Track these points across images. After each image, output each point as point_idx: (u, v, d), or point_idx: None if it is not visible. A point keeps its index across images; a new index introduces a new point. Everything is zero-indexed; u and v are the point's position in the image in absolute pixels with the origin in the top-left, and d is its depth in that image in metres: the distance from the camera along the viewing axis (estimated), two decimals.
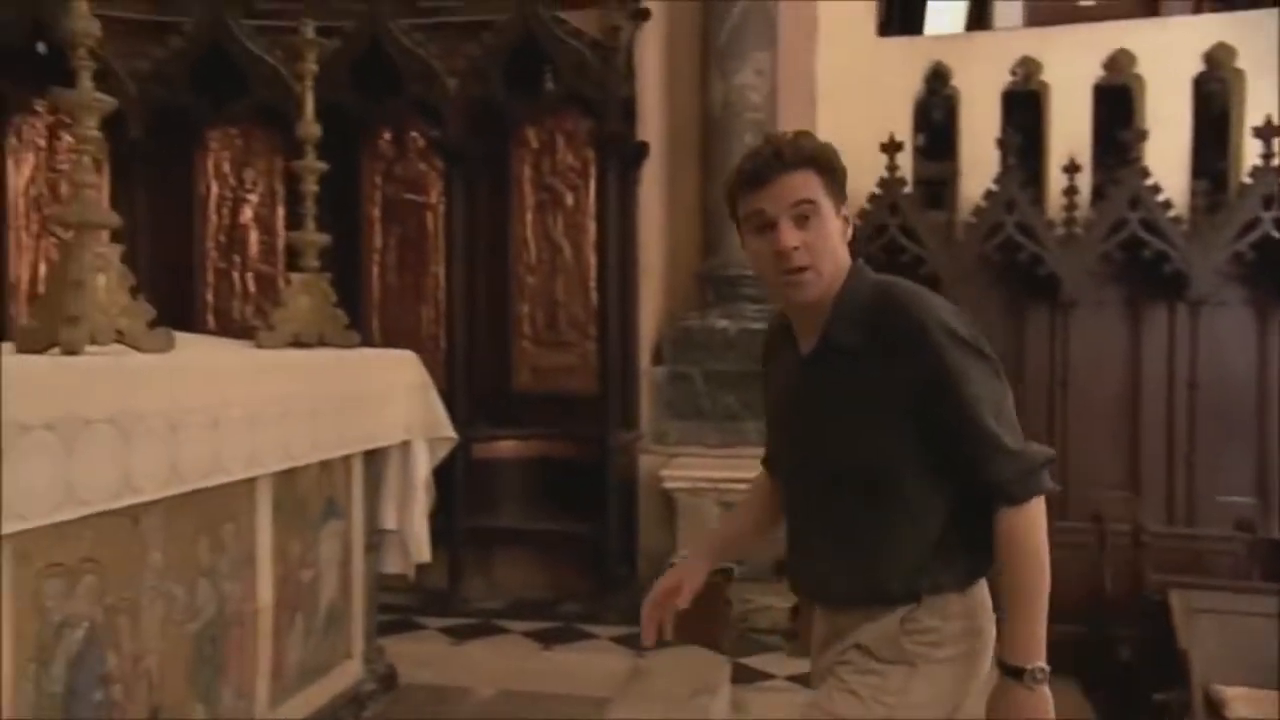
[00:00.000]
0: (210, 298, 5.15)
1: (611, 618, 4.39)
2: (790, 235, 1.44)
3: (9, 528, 1.55)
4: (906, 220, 4.62)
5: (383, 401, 2.95)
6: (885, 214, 4.62)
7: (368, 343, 3.34)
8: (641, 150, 4.75)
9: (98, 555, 1.90)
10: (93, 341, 1.95)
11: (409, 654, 3.59)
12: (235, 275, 5.16)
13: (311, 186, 3.06)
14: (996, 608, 1.52)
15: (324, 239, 3.07)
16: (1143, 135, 4.57)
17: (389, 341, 4.81)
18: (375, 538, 3.13)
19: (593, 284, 4.85)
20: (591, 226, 4.85)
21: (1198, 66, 4.67)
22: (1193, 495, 4.68)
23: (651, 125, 4.80)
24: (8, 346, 2.14)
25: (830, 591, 1.58)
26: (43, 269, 4.89)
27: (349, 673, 2.98)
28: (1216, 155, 4.73)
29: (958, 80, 4.86)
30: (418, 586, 4.07)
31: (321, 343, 2.97)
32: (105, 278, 2.04)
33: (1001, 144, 4.61)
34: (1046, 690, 1.43)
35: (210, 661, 2.29)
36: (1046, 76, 4.76)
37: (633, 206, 4.81)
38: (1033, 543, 1.43)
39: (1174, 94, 4.67)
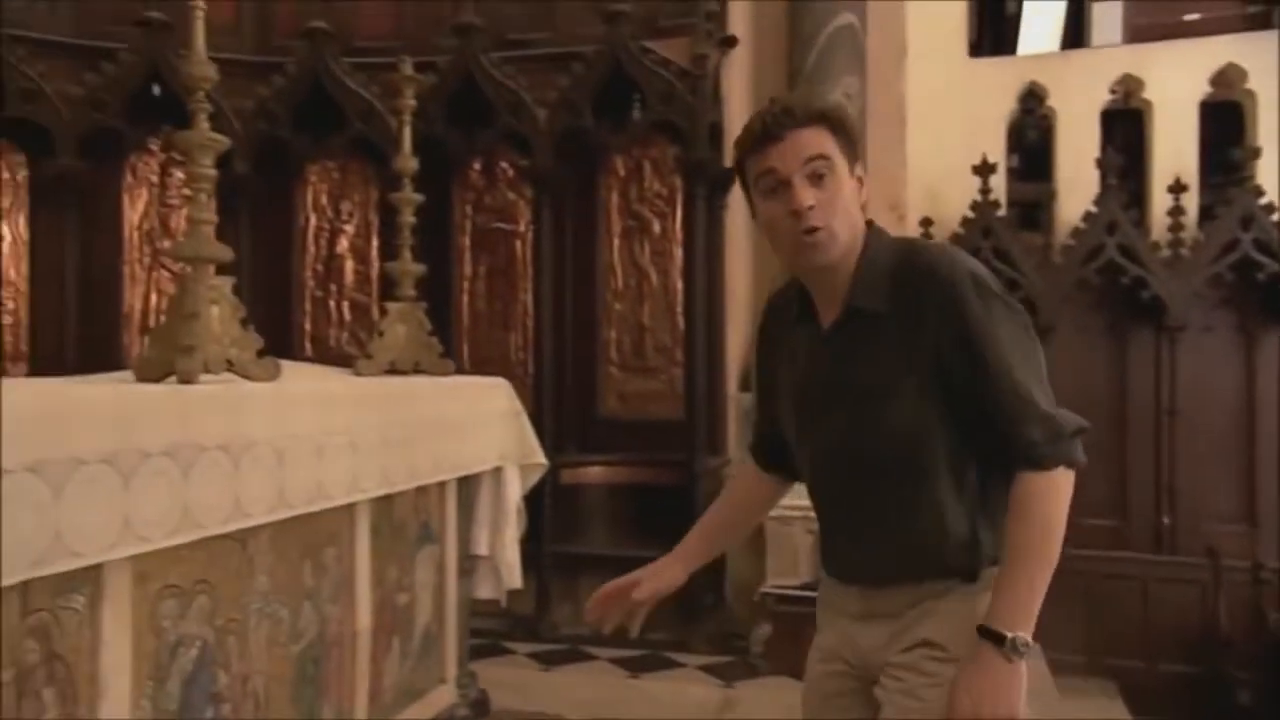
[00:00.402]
0: (308, 325, 5.32)
1: (700, 646, 4.35)
2: (805, 194, 1.36)
3: (133, 550, 1.62)
4: (1000, 243, 4.51)
5: (476, 428, 3.00)
6: (978, 237, 4.52)
7: (458, 370, 3.40)
8: (728, 176, 4.74)
9: (209, 577, 1.97)
10: (206, 370, 2.03)
11: (499, 679, 3.62)
12: (331, 303, 5.32)
13: (408, 218, 3.14)
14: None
15: (420, 269, 3.15)
16: (1256, 153, 4.39)
17: (478, 368, 4.90)
18: (468, 563, 3.16)
19: (679, 310, 4.86)
20: (678, 253, 4.87)
21: None
22: None
23: None
24: (126, 375, 2.25)
25: (876, 572, 1.46)
26: (154, 299, 5.12)
27: (443, 697, 3.01)
28: None
29: (1054, 100, 4.74)
30: (506, 611, 4.09)
31: (417, 370, 3.04)
32: (218, 309, 2.12)
33: (1101, 164, 4.47)
34: (1023, 667, 1.33)
35: (312, 682, 2.34)
36: (1149, 94, 4.60)
37: (719, 232, 4.81)
38: (1049, 510, 1.35)
39: None
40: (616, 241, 4.99)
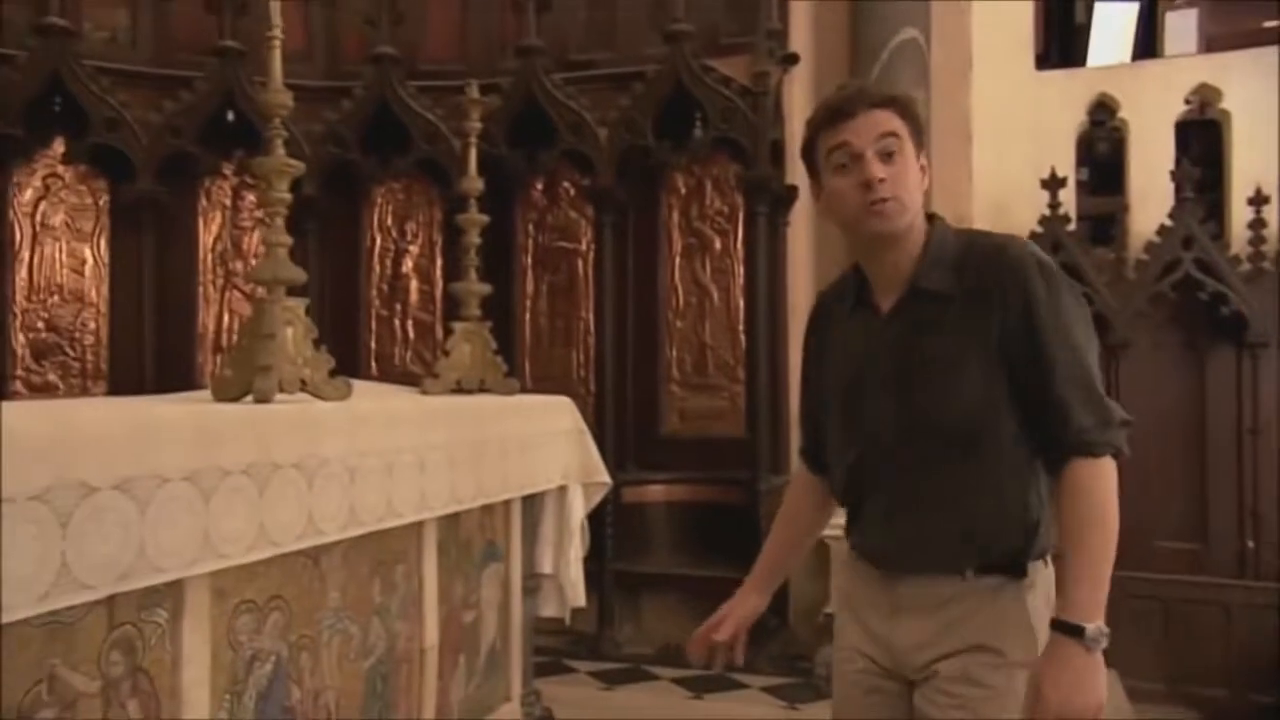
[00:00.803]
0: (373, 344, 5.41)
1: (763, 667, 4.30)
2: (877, 167, 1.41)
3: (212, 566, 1.66)
4: (1071, 257, 4.39)
5: (541, 447, 3.01)
6: (1047, 251, 4.40)
7: (521, 388, 3.43)
8: (790, 193, 4.73)
9: (283, 593, 2.00)
10: (281, 390, 2.07)
11: (561, 698, 3.61)
12: (396, 322, 5.41)
13: (474, 239, 3.17)
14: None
15: (485, 288, 3.18)
16: None
17: (539, 386, 4.93)
18: (532, 581, 3.17)
19: (741, 328, 4.85)
20: (740, 270, 4.86)
21: None
22: None
23: (800, 169, 4.76)
24: (203, 394, 2.31)
25: (923, 557, 1.45)
26: (226, 319, 5.26)
27: (508, 715, 3.02)
28: None
29: (1125, 111, 4.63)
30: (567, 629, 4.10)
31: (482, 389, 3.06)
32: (293, 330, 2.17)
33: (1176, 176, 4.35)
34: (1101, 657, 1.32)
35: (381, 698, 2.36)
36: (1227, 104, 4.47)
37: (781, 250, 4.79)
38: (1106, 498, 1.36)
39: None
40: (678, 259, 5.00)
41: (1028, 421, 1.40)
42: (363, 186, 5.31)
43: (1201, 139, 4.65)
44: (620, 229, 4.97)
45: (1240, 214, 4.41)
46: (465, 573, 2.78)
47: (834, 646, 1.64)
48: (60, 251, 4.98)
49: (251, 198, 5.20)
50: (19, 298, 4.88)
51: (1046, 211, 4.44)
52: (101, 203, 5.06)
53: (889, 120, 1.43)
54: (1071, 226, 4.48)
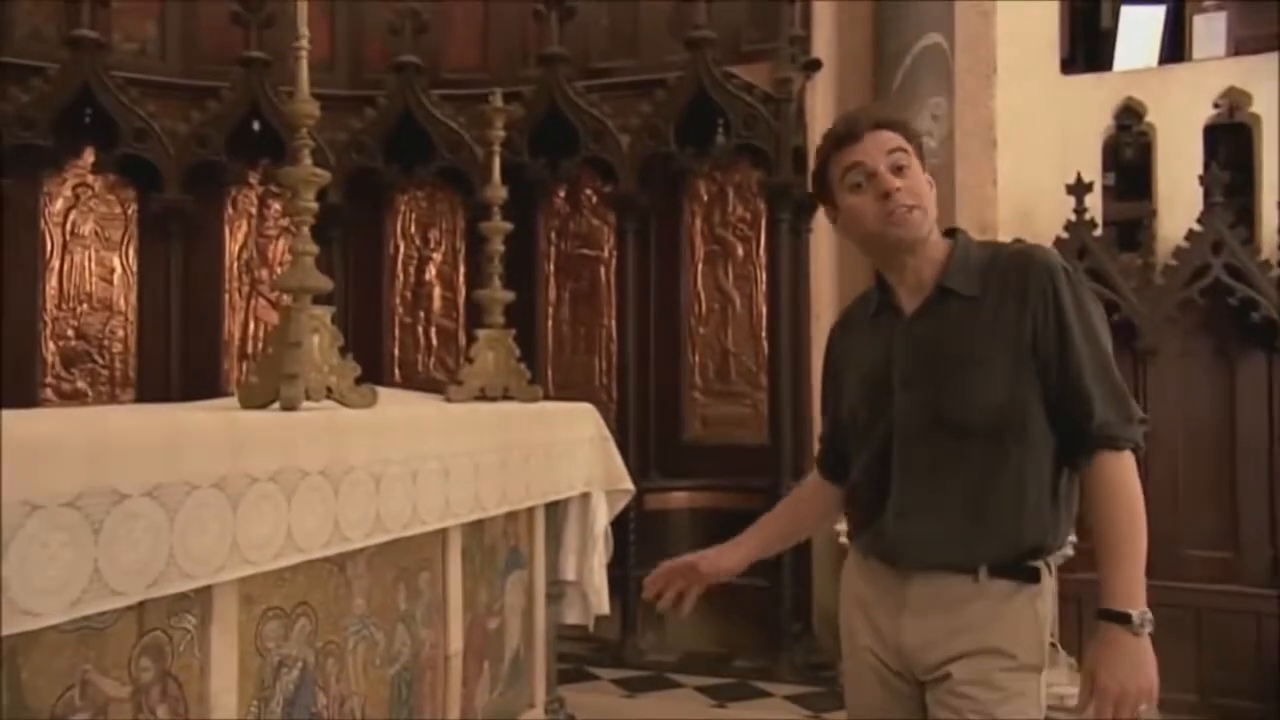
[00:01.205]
0: (396, 351, 5.43)
1: (786, 675, 4.28)
2: (893, 179, 1.49)
3: (240, 572, 1.67)
4: (1098, 263, 4.36)
5: (565, 454, 3.01)
6: (1073, 257, 4.36)
7: (543, 395, 3.44)
8: (813, 200, 4.71)
9: (310, 600, 2.01)
10: (307, 398, 2.08)
11: (585, 705, 3.61)
12: (419, 329, 5.43)
13: (498, 246, 3.19)
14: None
15: (509, 296, 3.19)
16: None
17: (562, 393, 4.93)
18: (555, 588, 3.17)
19: (764, 334, 4.83)
20: (762, 277, 4.85)
21: None
22: None
23: None
24: (230, 401, 2.33)
25: (942, 552, 1.48)
26: (252, 326, 5.30)
27: None
28: None
29: (1152, 115, 4.59)
30: (590, 636, 4.10)
31: (506, 396, 3.07)
32: (319, 338, 2.18)
33: (1205, 180, 4.30)
34: (1148, 640, 1.40)
35: (405, 704, 2.37)
36: (1256, 108, 4.42)
37: (803, 256, 4.78)
38: (1135, 488, 1.44)
39: None
40: (700, 266, 4.99)
41: (1052, 419, 1.46)
42: (386, 194, 5.34)
43: (1230, 143, 4.60)
44: (642, 236, 4.97)
45: (1270, 218, 4.35)
46: (489, 580, 2.79)
47: (844, 646, 1.66)
48: (90, 260, 5.04)
49: (277, 206, 5.25)
50: (49, 306, 4.94)
51: (1072, 217, 4.41)
52: (130, 212, 5.12)
53: (894, 138, 1.51)
54: (1098, 232, 4.44)
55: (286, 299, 2.22)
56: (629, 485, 3.30)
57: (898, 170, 1.50)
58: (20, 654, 1.36)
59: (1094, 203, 4.48)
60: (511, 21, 5.29)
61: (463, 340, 5.16)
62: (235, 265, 5.31)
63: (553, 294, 5.24)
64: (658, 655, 4.60)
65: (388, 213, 5.40)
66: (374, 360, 5.19)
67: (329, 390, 2.16)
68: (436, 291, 5.41)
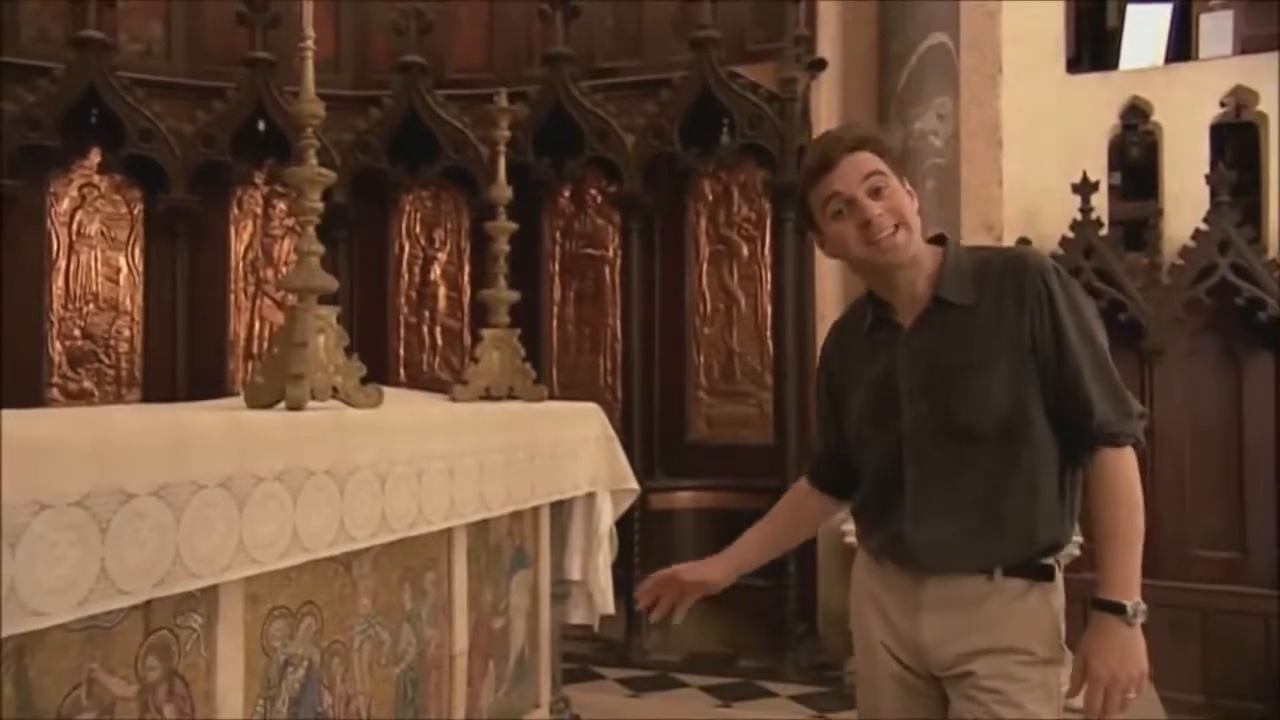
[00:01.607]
0: (401, 351, 5.44)
1: (791, 675, 4.28)
2: (871, 205, 1.50)
3: (246, 572, 1.67)
4: (1103, 263, 4.34)
5: (570, 453, 3.02)
6: (1079, 257, 4.36)
7: (548, 395, 3.44)
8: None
9: (315, 599, 2.02)
10: (313, 397, 2.08)
11: (590, 705, 3.61)
12: (424, 329, 5.44)
13: (503, 246, 3.19)
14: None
15: (514, 296, 3.19)
16: None
17: (566, 392, 4.94)
18: (560, 588, 3.17)
19: (769, 334, 4.83)
20: (767, 277, 4.85)
21: None
22: None
23: None
24: (236, 401, 2.33)
25: (954, 555, 1.51)
26: (257, 326, 5.32)
27: None
28: None
29: (1159, 115, 4.57)
30: (596, 636, 4.10)
31: (511, 396, 3.07)
32: (324, 338, 2.18)
33: (1211, 180, 4.28)
34: (1140, 630, 1.44)
35: (411, 704, 2.37)
36: (1263, 106, 4.40)
37: (809, 256, 4.76)
38: (1135, 483, 1.48)
39: None
40: (705, 266, 4.99)
41: (1053, 418, 1.49)
42: (391, 194, 5.35)
43: (1236, 142, 4.58)
44: (647, 236, 4.97)
45: (1277, 217, 4.34)
46: (494, 579, 2.79)
47: (857, 644, 1.68)
48: (96, 260, 5.06)
49: (282, 206, 5.26)
50: (55, 306, 4.96)
51: (1078, 216, 4.39)
52: (136, 212, 5.13)
53: (870, 161, 1.52)
54: (1104, 231, 4.43)
55: (292, 299, 2.22)
56: (634, 485, 3.30)
57: (875, 193, 1.51)
58: (27, 653, 1.36)
59: (1100, 202, 4.47)
60: (516, 21, 5.29)
61: (468, 340, 5.17)
62: (241, 265, 5.32)
63: (558, 294, 5.24)
64: (663, 655, 4.60)
65: (393, 212, 5.41)
66: (379, 360, 5.20)
67: (334, 390, 2.17)
68: (441, 291, 5.42)
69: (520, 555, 2.94)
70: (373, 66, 5.36)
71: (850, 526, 4.30)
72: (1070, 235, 4.40)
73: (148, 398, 5.01)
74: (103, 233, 5.07)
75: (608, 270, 5.14)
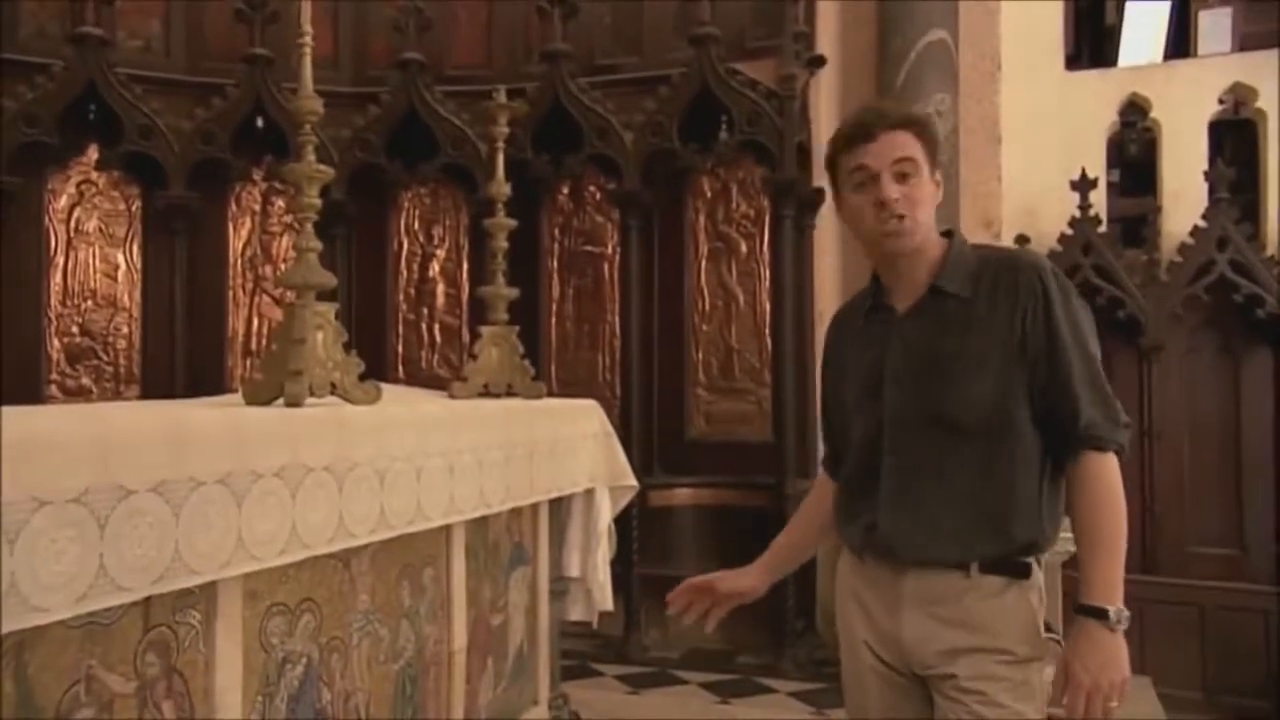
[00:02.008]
0: (400, 348, 5.44)
1: (790, 672, 4.29)
2: (891, 188, 1.51)
3: (245, 568, 1.67)
4: (1102, 260, 4.35)
5: (569, 450, 3.01)
6: (1078, 254, 4.37)
7: (547, 391, 3.44)
8: (816, 196, 4.71)
9: (314, 596, 2.01)
10: (311, 394, 2.08)
11: (588, 701, 3.62)
12: (423, 326, 5.43)
13: (501, 243, 3.18)
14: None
15: (513, 292, 3.18)
16: None
17: (565, 389, 4.94)
18: (559, 584, 3.18)
19: (767, 331, 4.83)
20: (766, 274, 4.85)
21: None
22: None
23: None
24: (234, 398, 2.33)
25: (932, 547, 1.51)
26: (255, 323, 5.31)
27: (535, 718, 3.02)
28: None
29: (1157, 111, 4.58)
30: (594, 633, 4.10)
31: (509, 393, 3.07)
32: (323, 334, 2.18)
33: (1210, 177, 4.29)
34: (1122, 636, 1.44)
35: (410, 701, 2.37)
36: (1262, 103, 4.40)
37: (807, 252, 4.78)
38: (1118, 489, 1.48)
39: None
40: (703, 263, 5.00)
41: (1039, 418, 1.50)
42: (390, 191, 5.35)
43: (1235, 139, 4.59)
44: (646, 233, 4.97)
45: (1276, 214, 4.34)
46: (493, 576, 2.79)
47: (842, 644, 1.68)
48: (94, 257, 5.05)
49: (281, 203, 5.26)
50: (54, 302, 4.96)
51: (1077, 213, 4.40)
52: (134, 209, 5.13)
53: (906, 143, 1.52)
54: (1102, 228, 4.43)
55: (290, 295, 2.22)
56: (632, 481, 3.30)
57: (901, 178, 1.52)
58: (27, 649, 1.36)
59: (1098, 199, 4.48)
60: (515, 18, 5.29)
61: (466, 337, 5.17)
62: (239, 262, 5.32)
63: (556, 290, 5.24)
64: (661, 651, 4.61)
65: (391, 209, 5.40)
66: (378, 357, 5.20)
67: (333, 387, 2.16)
68: (440, 288, 5.41)
69: (519, 552, 2.94)
70: (371, 63, 5.36)
71: None
72: (1069, 232, 4.41)
73: (146, 394, 5.00)
74: (101, 229, 5.06)
75: (606, 267, 5.14)
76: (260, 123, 5.02)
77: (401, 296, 5.44)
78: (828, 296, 4.75)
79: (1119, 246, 4.49)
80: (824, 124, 4.79)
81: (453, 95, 5.08)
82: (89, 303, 5.03)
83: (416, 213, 5.43)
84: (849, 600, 1.65)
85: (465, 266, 5.34)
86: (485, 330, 3.12)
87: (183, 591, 1.60)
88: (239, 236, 5.33)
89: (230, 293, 5.29)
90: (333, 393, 2.16)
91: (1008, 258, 1.57)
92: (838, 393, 1.73)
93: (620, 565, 3.94)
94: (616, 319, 5.06)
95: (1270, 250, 4.26)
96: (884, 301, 1.62)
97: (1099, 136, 4.65)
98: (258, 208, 5.35)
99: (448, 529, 2.49)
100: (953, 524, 1.50)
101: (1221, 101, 4.51)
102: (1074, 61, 4.87)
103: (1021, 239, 4.53)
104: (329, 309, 2.22)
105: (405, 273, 5.45)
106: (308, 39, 2.20)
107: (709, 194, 5.00)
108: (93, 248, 5.05)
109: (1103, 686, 1.41)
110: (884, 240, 1.54)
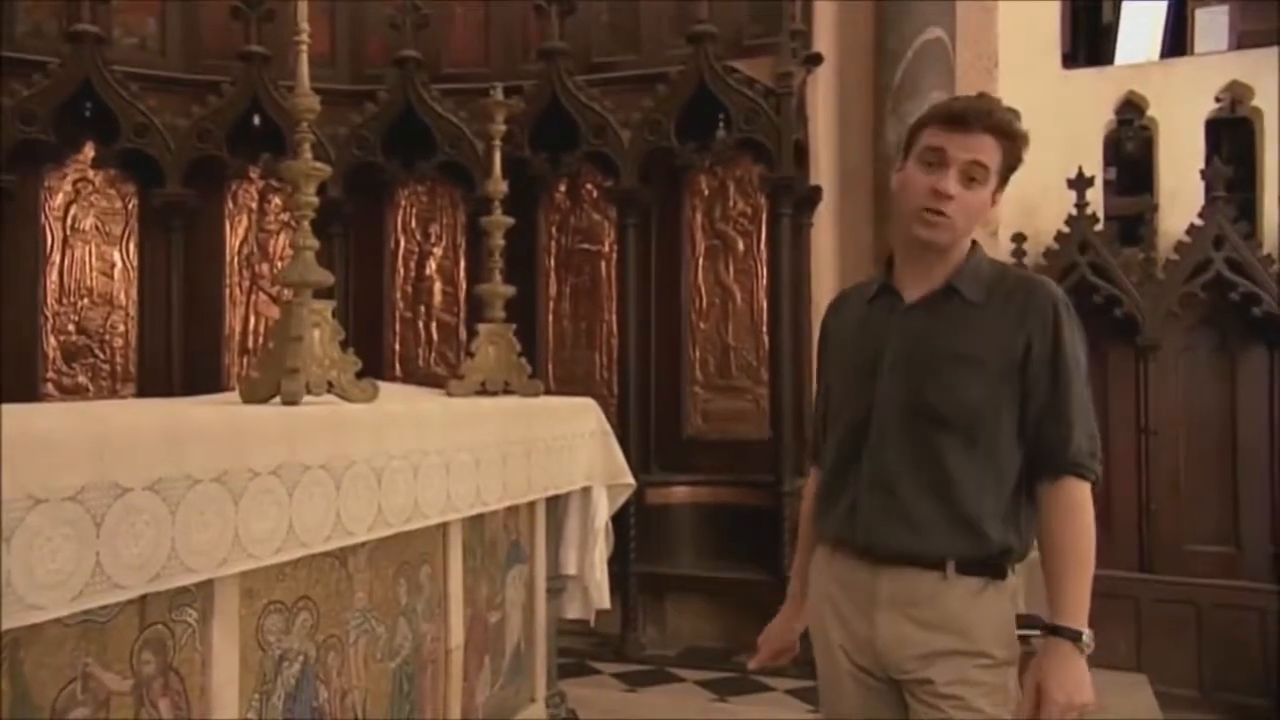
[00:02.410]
0: (397, 346, 5.43)
1: (787, 670, 4.27)
2: (953, 184, 1.52)
3: (242, 566, 1.67)
4: (1099, 258, 4.35)
5: (566, 448, 3.02)
6: (1074, 252, 4.37)
7: (544, 390, 3.44)
8: (814, 194, 4.72)
9: (311, 594, 2.01)
10: (308, 392, 2.08)
11: (586, 699, 3.62)
12: (420, 324, 5.43)
13: (498, 241, 3.18)
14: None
15: (510, 290, 3.18)
16: None
17: (562, 387, 4.94)
18: (556, 582, 3.18)
19: (764, 329, 4.83)
20: (763, 271, 4.85)
21: None
22: None
23: (824, 169, 4.78)
24: (231, 396, 2.33)
25: (907, 541, 1.52)
26: (252, 321, 5.30)
27: (532, 716, 3.02)
28: None
29: (1154, 110, 4.58)
30: (591, 631, 4.10)
31: (507, 391, 3.07)
32: (320, 332, 2.18)
33: (1206, 175, 4.29)
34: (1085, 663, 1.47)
35: (407, 699, 2.37)
36: (1258, 102, 4.41)
37: (805, 250, 4.78)
38: (1090, 516, 1.51)
39: None
40: (701, 261, 4.99)
41: (1026, 435, 1.53)
42: (387, 189, 5.34)
43: (1232, 137, 4.59)
44: (643, 231, 4.97)
45: (1272, 213, 4.35)
46: (490, 574, 2.79)
47: (816, 647, 1.69)
48: (90, 255, 5.04)
49: (277, 201, 5.25)
50: (50, 300, 4.95)
51: (1074, 211, 4.40)
52: (131, 206, 5.11)
53: (990, 151, 1.52)
54: (1100, 226, 4.44)
55: (287, 293, 2.22)
56: (630, 480, 3.30)
57: (968, 180, 1.52)
58: (22, 647, 1.36)
59: (1095, 197, 4.48)
60: (512, 16, 5.28)
61: (463, 335, 5.17)
62: (236, 260, 5.31)
63: (553, 289, 5.24)
64: (659, 649, 4.61)
65: (388, 207, 5.40)
66: (375, 355, 5.19)
67: (330, 385, 2.16)
68: (437, 286, 5.41)
69: (516, 550, 2.94)
70: (368, 61, 5.35)
71: None
72: (1066, 230, 4.41)
73: (143, 392, 5.00)
74: (97, 227, 5.05)
75: (604, 265, 5.14)
76: (257, 120, 5.01)
77: (399, 294, 5.43)
78: (825, 294, 4.74)
79: (1116, 245, 4.49)
80: (821, 122, 4.80)
81: (450, 93, 5.07)
82: (85, 301, 5.02)
83: (414, 211, 5.42)
84: (823, 604, 1.65)
85: (462, 264, 5.34)
86: (482, 328, 3.12)
87: (179, 589, 1.59)
88: (236, 234, 5.32)
89: (227, 290, 5.28)
90: (330, 391, 2.16)
91: (1027, 278, 1.60)
92: (831, 365, 1.76)
93: (617, 563, 3.94)
94: (614, 317, 5.06)
95: (1267, 248, 4.26)
96: (892, 287, 1.63)
97: (1096, 135, 4.66)
98: (254, 205, 5.34)
99: (445, 527, 2.49)
100: (928, 514, 1.52)
101: (1218, 100, 4.51)
102: (1071, 60, 4.87)
103: (1019, 237, 4.53)
104: (326, 307, 2.22)
105: (402, 271, 5.44)
106: (304, 37, 2.20)
107: (706, 192, 5.00)
108: (89, 245, 5.04)
109: (1076, 705, 1.44)
110: (917, 225, 1.54)
